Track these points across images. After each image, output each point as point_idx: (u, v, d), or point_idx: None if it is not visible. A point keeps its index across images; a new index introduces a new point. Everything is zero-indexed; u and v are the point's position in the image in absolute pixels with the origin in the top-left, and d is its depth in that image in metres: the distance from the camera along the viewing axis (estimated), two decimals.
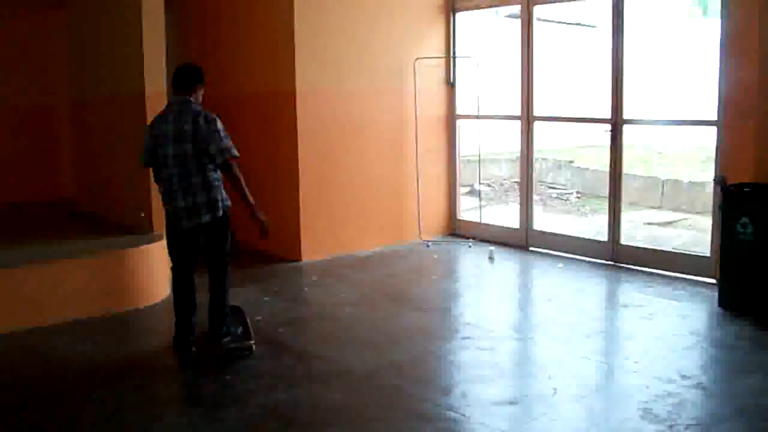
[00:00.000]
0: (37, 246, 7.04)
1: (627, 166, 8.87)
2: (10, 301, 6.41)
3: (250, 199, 5.62)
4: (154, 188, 7.27)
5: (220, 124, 5.51)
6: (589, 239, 8.71)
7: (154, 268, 7.18)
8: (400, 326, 6.32)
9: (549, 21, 13.73)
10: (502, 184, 14.75)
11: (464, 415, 4.58)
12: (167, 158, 5.49)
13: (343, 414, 4.67)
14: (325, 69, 8.53)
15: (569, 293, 7.25)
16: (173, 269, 5.82)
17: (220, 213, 5.61)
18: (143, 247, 7.11)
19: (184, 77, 5.66)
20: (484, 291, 7.58)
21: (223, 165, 5.51)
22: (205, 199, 5.52)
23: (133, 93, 7.47)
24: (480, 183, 11.48)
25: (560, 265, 8.20)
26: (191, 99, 5.62)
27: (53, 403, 4.92)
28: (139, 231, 7.41)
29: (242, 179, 5.60)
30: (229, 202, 5.73)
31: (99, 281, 6.84)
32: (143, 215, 7.42)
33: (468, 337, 6.00)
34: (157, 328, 6.52)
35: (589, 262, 8.20)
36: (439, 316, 6.65)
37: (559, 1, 9.48)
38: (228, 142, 5.50)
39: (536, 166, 10.34)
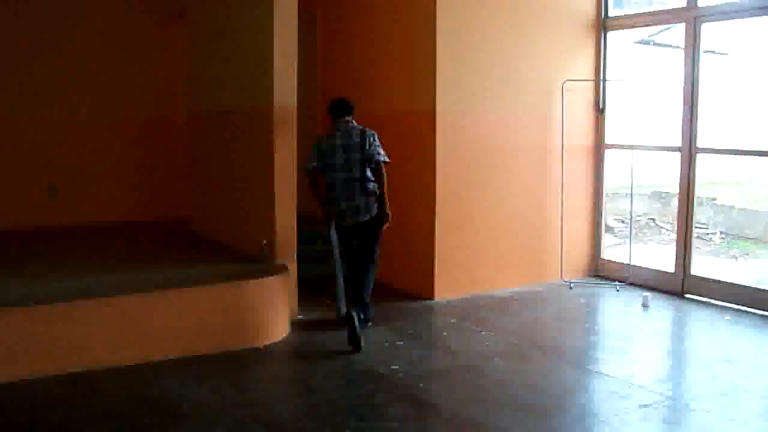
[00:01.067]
0: (147, 272, 6.42)
1: None
2: (115, 333, 5.76)
3: (386, 195, 6.63)
4: (280, 214, 6.63)
5: (378, 138, 6.67)
6: (756, 288, 7.64)
7: (274, 303, 6.44)
8: (561, 386, 5.41)
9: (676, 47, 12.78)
10: (637, 221, 13.65)
11: None
12: (335, 166, 6.53)
13: None
14: (466, 89, 7.77)
15: (749, 353, 6.21)
16: (343, 255, 6.76)
17: (375, 213, 6.58)
18: (265, 279, 6.39)
19: (345, 105, 6.81)
20: (649, 345, 6.55)
21: (377, 167, 6.56)
22: (364, 202, 6.54)
23: (258, 109, 6.82)
24: (614, 218, 10.52)
25: (727, 317, 7.17)
26: (352, 119, 6.79)
27: None
28: (260, 259, 6.72)
29: (385, 178, 6.61)
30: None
31: (215, 314, 6.16)
32: (266, 243, 6.73)
33: (646, 405, 5.03)
34: (276, 373, 5.82)
35: (760, 315, 7.15)
36: (604, 375, 5.68)
37: (729, 19, 8.45)
38: (383, 151, 6.62)
39: (673, 202, 9.33)
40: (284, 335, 6.50)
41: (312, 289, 7.68)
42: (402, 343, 6.33)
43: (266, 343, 6.29)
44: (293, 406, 5.32)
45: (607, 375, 5.65)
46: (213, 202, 8.34)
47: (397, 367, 5.70)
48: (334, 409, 4.99)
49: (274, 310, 6.44)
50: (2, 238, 8.38)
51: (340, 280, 6.66)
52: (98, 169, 9.63)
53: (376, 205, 6.57)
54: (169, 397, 5.16)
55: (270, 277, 6.45)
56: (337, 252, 6.68)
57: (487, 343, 6.35)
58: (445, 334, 6.68)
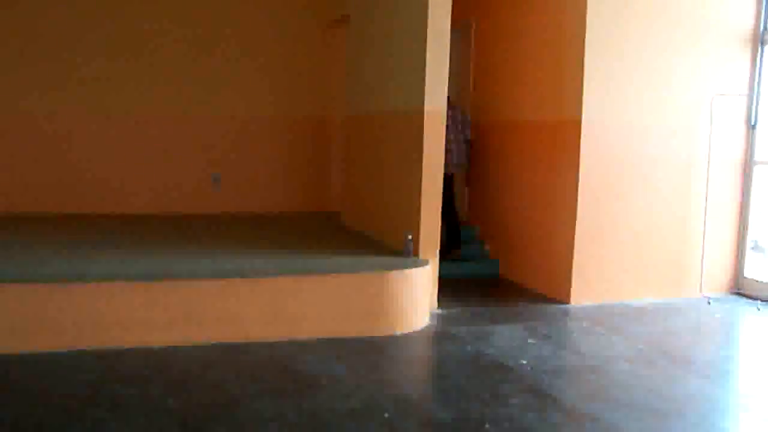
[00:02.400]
0: (298, 258, 6.95)
1: None
2: (269, 311, 6.36)
3: None
4: (425, 212, 7.03)
5: None
6: None
7: (414, 295, 6.85)
8: (684, 393, 5.53)
9: None
10: None
11: None
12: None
13: None
14: (613, 99, 7.90)
15: None
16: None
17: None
18: (406, 271, 6.80)
19: None
20: None
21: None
22: None
23: (412, 110, 7.23)
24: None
25: None
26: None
27: (297, 429, 4.65)
28: (404, 254, 7.13)
29: None
30: None
31: (358, 301, 6.63)
32: (410, 238, 7.14)
33: (764, 417, 5.12)
34: (412, 358, 6.23)
35: None
36: (728, 387, 5.77)
37: None
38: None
39: None
40: (422, 326, 6.90)
41: (453, 287, 8.06)
42: (534, 341, 6.60)
43: (404, 331, 6.71)
44: (422, 388, 5.72)
45: (732, 388, 5.75)
46: (363, 197, 8.83)
47: (525, 362, 5.99)
48: (460, 394, 5.33)
49: (413, 302, 6.85)
50: (171, 221, 9.23)
51: None
52: (259, 163, 10.37)
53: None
54: (310, 370, 5.66)
55: (412, 270, 6.86)
56: None
57: (616, 347, 6.53)
58: (575, 336, 6.91)
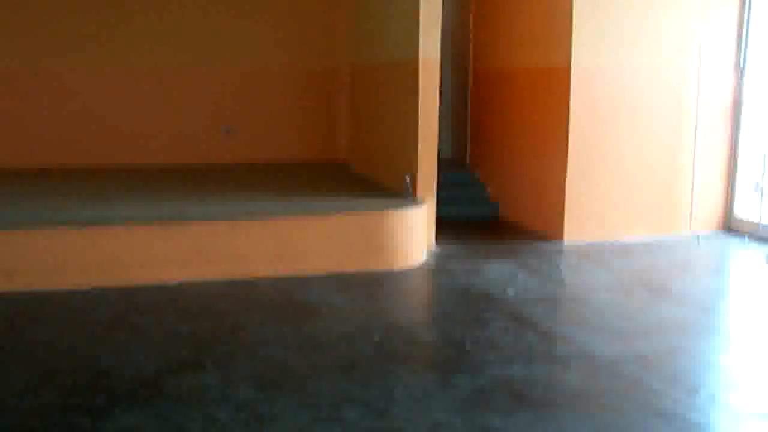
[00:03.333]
0: (305, 200, 7.47)
1: None
2: (275, 249, 6.90)
3: None
4: (422, 154, 7.51)
5: None
6: None
7: (412, 233, 7.35)
8: (655, 318, 6.01)
9: None
10: None
11: (708, 421, 4.28)
12: None
13: (577, 398, 4.53)
14: (603, 45, 8.25)
15: None
16: None
17: None
18: (403, 211, 7.30)
19: None
20: (756, 293, 7.00)
21: None
22: None
23: (408, 60, 7.66)
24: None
25: None
26: None
27: (294, 349, 5.19)
28: (404, 195, 7.61)
29: None
30: None
31: (358, 239, 7.13)
32: (409, 180, 7.61)
33: (728, 338, 5.60)
34: (407, 290, 6.73)
35: None
36: (699, 312, 6.23)
37: None
38: None
39: None
40: (419, 262, 7.41)
41: (453, 227, 8.59)
42: (522, 274, 7.09)
43: (402, 267, 7.23)
44: (412, 314, 6.27)
45: (702, 313, 6.21)
46: (367, 144, 9.32)
47: (511, 292, 6.49)
48: (446, 319, 5.88)
49: (411, 239, 7.36)
50: (186, 170, 9.80)
51: None
52: (269, 114, 10.84)
53: None
54: (312, 301, 6.21)
55: (408, 209, 7.36)
56: None
57: (599, 279, 7.01)
58: (563, 269, 7.39)
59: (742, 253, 8.22)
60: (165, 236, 6.69)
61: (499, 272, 7.12)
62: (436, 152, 7.77)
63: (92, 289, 6.46)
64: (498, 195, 9.71)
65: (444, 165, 10.27)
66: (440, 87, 8.96)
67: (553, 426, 4.10)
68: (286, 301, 6.23)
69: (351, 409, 4.24)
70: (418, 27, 7.47)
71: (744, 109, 8.98)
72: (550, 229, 8.54)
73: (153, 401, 4.33)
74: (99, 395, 4.40)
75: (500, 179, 9.63)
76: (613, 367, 4.96)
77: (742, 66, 8.92)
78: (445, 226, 8.41)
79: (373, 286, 6.72)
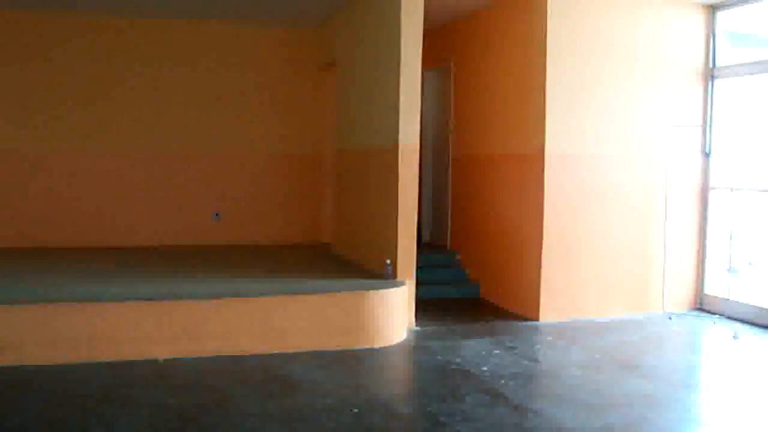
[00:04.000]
0: (288, 281, 7.78)
1: None
2: (260, 327, 7.19)
3: None
4: (402, 238, 7.85)
5: None
6: None
7: (392, 313, 7.64)
8: (623, 392, 6.28)
9: None
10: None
11: None
12: None
13: None
14: (575, 131, 8.70)
15: None
16: None
17: None
18: (383, 291, 7.60)
19: None
20: (723, 369, 7.29)
21: None
22: None
23: (389, 148, 8.06)
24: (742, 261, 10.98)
25: None
26: None
27: (277, 421, 5.44)
28: (385, 277, 7.93)
29: None
30: None
31: (339, 318, 7.43)
32: (389, 262, 7.93)
33: (693, 411, 5.88)
34: (386, 366, 7.00)
35: None
36: (666, 386, 6.50)
37: None
38: None
39: None
40: (399, 340, 7.69)
41: (434, 307, 8.91)
42: (498, 352, 7.37)
43: (382, 345, 7.50)
44: (390, 389, 6.52)
45: (669, 386, 6.48)
46: (349, 227, 9.67)
47: (485, 369, 6.76)
48: (423, 394, 6.15)
49: (390, 318, 7.65)
50: (176, 251, 10.13)
51: None
52: (257, 198, 11.25)
53: None
54: (295, 376, 6.47)
55: (389, 290, 7.66)
56: None
57: (572, 356, 7.29)
58: (538, 347, 7.66)
59: (712, 330, 8.52)
60: (156, 313, 6.97)
61: (475, 350, 7.38)
62: (415, 235, 8.11)
63: (84, 362, 6.72)
64: (478, 276, 10.03)
65: (426, 247, 10.65)
66: (421, 173, 9.40)
67: None
68: (271, 377, 6.48)
69: None
70: (398, 116, 7.89)
71: (711, 192, 9.39)
72: (527, 309, 8.84)
73: None
74: None
75: (479, 261, 9.97)
76: None
77: (708, 150, 9.37)
78: (426, 305, 8.74)
79: (354, 362, 6.99)
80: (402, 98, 7.91)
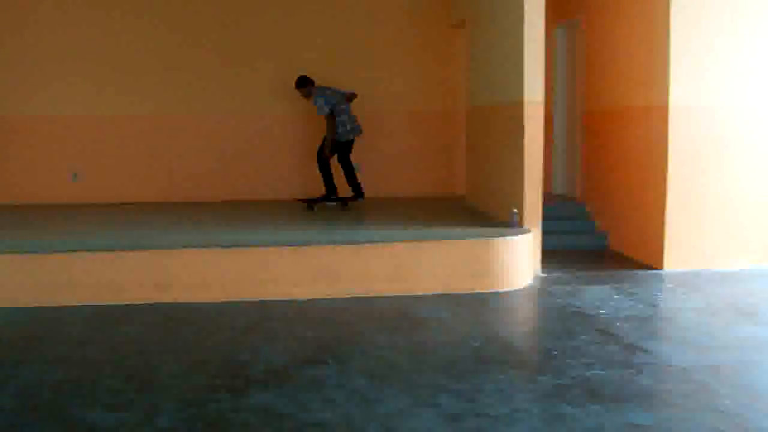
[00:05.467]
0: (421, 229, 8.34)
1: None
2: (392, 271, 7.81)
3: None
4: (528, 189, 8.25)
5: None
6: None
7: (517, 259, 8.09)
8: (735, 336, 6.52)
9: None
10: None
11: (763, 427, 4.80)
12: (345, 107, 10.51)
13: (644, 396, 5.16)
14: (700, 82, 8.76)
15: None
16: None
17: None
18: (509, 239, 8.05)
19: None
20: None
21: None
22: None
23: (515, 103, 8.45)
24: None
25: None
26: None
27: (402, 351, 6.03)
28: (511, 225, 8.37)
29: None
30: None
31: (467, 264, 7.96)
32: (515, 211, 8.37)
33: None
34: (508, 308, 7.48)
35: None
36: None
37: None
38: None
39: None
40: (523, 285, 8.14)
41: (561, 256, 9.34)
42: (618, 297, 7.71)
43: (506, 289, 7.99)
44: (509, 328, 7.01)
45: None
46: (481, 180, 10.13)
47: (603, 311, 7.15)
48: (539, 332, 6.64)
49: (516, 265, 8.11)
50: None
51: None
52: (395, 153, 11.87)
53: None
54: (422, 315, 7.07)
55: (514, 237, 8.12)
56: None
57: (690, 302, 7.55)
58: (657, 294, 7.95)
59: None
60: (296, 258, 7.71)
61: (596, 295, 7.76)
62: (541, 186, 8.49)
63: (231, 301, 7.55)
64: (606, 227, 10.30)
65: (557, 199, 10.99)
66: (552, 126, 9.73)
67: (617, 416, 4.76)
68: (400, 315, 7.10)
69: (445, 397, 5.03)
70: (523, 72, 8.26)
71: None
72: (652, 259, 9.09)
73: (282, 386, 5.26)
74: (238, 380, 5.37)
75: (608, 212, 10.23)
76: (684, 374, 5.56)
77: None
78: (554, 254, 9.18)
79: (478, 304, 7.51)
80: (526, 54, 8.25)
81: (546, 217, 8.80)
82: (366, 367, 5.68)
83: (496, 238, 8.02)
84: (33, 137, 11.51)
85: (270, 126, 11.73)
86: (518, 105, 8.42)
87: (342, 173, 10.69)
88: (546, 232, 8.89)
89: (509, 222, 8.53)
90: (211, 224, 9.07)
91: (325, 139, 10.43)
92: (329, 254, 7.78)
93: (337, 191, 10.66)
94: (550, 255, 8.93)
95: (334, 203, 10.54)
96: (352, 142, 10.55)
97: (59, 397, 5.18)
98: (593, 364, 5.70)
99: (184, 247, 7.68)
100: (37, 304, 7.48)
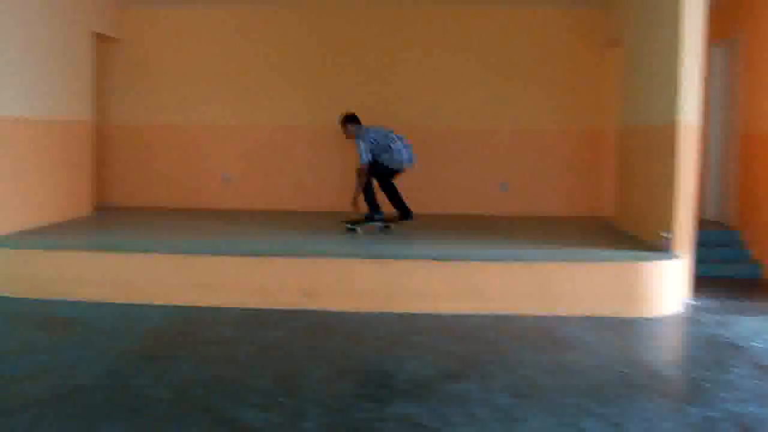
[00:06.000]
0: (567, 249, 8.24)
1: None
2: (537, 291, 7.76)
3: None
4: (680, 214, 8.03)
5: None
6: None
7: (666, 285, 7.89)
8: None
9: None
10: None
11: None
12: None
13: None
14: None
15: None
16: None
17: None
18: (659, 263, 7.87)
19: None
20: None
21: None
22: None
23: (668, 125, 8.26)
24: None
25: None
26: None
27: (546, 372, 5.98)
28: (662, 249, 8.16)
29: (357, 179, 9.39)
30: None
31: (614, 287, 7.82)
32: (667, 235, 8.16)
33: None
34: (656, 335, 7.34)
35: None
36: None
37: None
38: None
39: None
40: (672, 312, 7.92)
41: (712, 284, 9.10)
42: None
43: (655, 315, 7.79)
44: (657, 355, 6.85)
45: None
46: (630, 202, 9.90)
47: (756, 343, 6.87)
48: (688, 361, 6.46)
49: (665, 290, 7.90)
50: (465, 220, 10.95)
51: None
52: (539, 171, 11.75)
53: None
54: (566, 336, 6.99)
55: (664, 262, 7.91)
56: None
57: None
58: None
59: None
60: (443, 273, 7.77)
61: (748, 326, 7.45)
62: (694, 213, 8.24)
63: (377, 312, 7.67)
64: (760, 255, 9.90)
65: (709, 225, 10.63)
66: (706, 150, 9.42)
67: None
68: (543, 335, 7.04)
69: (590, 421, 4.97)
70: (678, 94, 8.06)
71: None
72: None
73: (425, 398, 5.32)
74: (382, 390, 5.48)
75: (764, 240, 9.82)
76: None
77: None
78: (704, 282, 8.85)
79: (625, 329, 7.36)
80: (682, 74, 8.03)
81: (697, 243, 8.54)
82: (509, 384, 5.67)
83: (645, 262, 7.85)
84: (191, 144, 12.03)
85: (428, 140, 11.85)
86: (673, 126, 8.21)
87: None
88: (697, 259, 8.62)
89: (660, 246, 8.31)
90: (360, 235, 9.25)
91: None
92: (476, 270, 7.80)
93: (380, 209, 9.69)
94: (700, 282, 8.64)
95: (380, 224, 9.63)
96: (400, 171, 9.69)
97: (210, 393, 5.42)
98: (748, 400, 5.49)
99: (331, 256, 7.87)
100: (189, 304, 7.84)
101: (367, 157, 9.24)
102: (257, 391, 5.44)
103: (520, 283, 7.79)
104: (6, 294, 8.14)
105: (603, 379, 5.84)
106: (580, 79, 11.65)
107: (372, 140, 9.30)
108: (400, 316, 7.60)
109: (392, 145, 9.33)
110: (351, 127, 9.53)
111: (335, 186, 11.65)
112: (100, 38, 11.32)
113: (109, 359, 6.16)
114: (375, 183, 9.59)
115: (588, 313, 7.72)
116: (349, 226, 9.44)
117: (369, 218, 9.54)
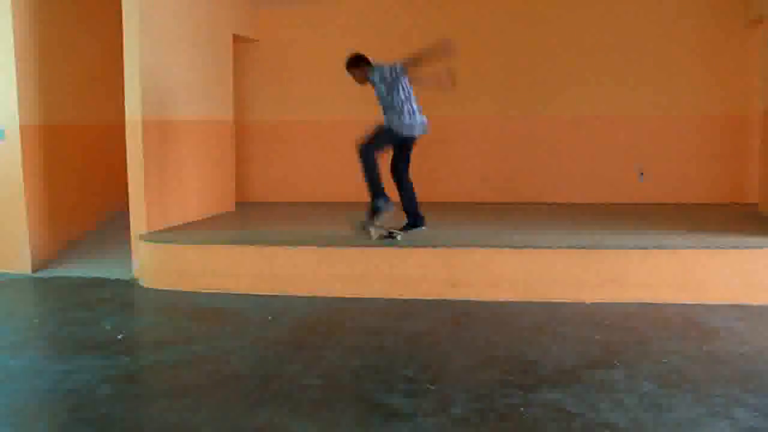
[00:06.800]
0: (711, 236, 8.13)
1: None
2: (681, 278, 7.69)
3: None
4: None
5: None
6: None
7: None
8: None
9: None
10: None
11: None
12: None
13: None
14: None
15: None
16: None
17: None
18: None
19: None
20: None
21: None
22: None
23: None
24: None
25: None
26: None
27: (694, 360, 5.90)
28: None
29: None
30: None
31: (763, 274, 7.61)
32: None
33: None
34: None
35: None
36: None
37: None
38: None
39: None
40: None
41: None
42: None
43: None
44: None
45: None
46: None
47: None
48: None
49: None
50: (601, 207, 10.97)
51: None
52: (679, 158, 11.48)
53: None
54: (713, 325, 6.87)
55: None
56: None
57: None
58: None
59: None
60: (584, 262, 7.76)
61: None
62: None
63: (519, 301, 7.75)
64: None
65: None
66: None
67: None
68: (688, 324, 6.94)
69: (741, 411, 4.89)
70: None
71: None
72: None
73: (571, 386, 5.37)
74: (527, 377, 5.55)
75: None
76: None
77: None
78: None
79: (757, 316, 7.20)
80: None
81: None
82: (655, 372, 5.63)
83: None
84: (323, 139, 12.37)
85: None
86: None
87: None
88: None
89: None
90: (499, 224, 9.31)
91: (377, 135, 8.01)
92: (617, 258, 7.75)
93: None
94: None
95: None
96: (413, 140, 8.15)
97: (359, 381, 5.62)
98: None
99: (475, 246, 7.98)
100: (333, 294, 8.10)
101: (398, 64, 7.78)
102: (405, 379, 5.60)
103: (661, 271, 7.69)
104: (159, 287, 8.64)
105: (754, 369, 5.73)
106: (721, 62, 11.32)
107: (388, 75, 7.81)
108: (542, 304, 7.64)
109: (403, 97, 7.84)
110: (360, 71, 8.09)
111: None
112: (235, 39, 11.78)
113: (259, 348, 6.46)
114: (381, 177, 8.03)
115: (735, 302, 7.54)
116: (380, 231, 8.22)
117: (375, 209, 8.05)
